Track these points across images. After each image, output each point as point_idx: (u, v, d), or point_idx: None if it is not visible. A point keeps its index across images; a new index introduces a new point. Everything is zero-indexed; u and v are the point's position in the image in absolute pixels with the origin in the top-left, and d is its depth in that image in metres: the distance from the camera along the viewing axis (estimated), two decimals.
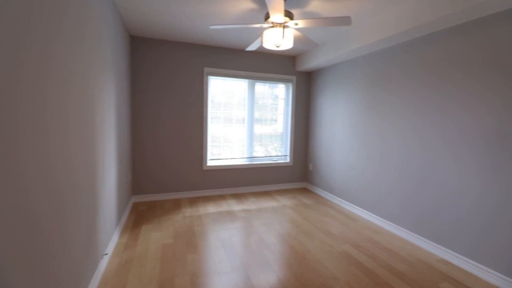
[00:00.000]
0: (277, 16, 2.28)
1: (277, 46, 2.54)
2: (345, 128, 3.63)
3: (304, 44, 2.83)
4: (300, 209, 3.50)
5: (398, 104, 2.80)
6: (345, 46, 3.19)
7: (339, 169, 3.74)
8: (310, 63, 3.92)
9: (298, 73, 4.44)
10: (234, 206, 3.56)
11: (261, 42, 2.66)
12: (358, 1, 2.38)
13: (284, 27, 2.43)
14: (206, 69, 3.84)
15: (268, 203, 3.70)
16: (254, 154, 4.35)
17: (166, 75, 3.64)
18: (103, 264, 2.05)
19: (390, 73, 2.91)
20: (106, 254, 2.19)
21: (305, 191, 4.39)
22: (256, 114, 4.29)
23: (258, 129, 4.37)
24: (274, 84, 4.39)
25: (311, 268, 2.11)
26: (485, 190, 2.04)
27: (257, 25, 2.45)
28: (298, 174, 4.59)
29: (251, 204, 3.64)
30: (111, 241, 2.34)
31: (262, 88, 4.31)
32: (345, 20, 2.22)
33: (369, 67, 3.19)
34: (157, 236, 2.62)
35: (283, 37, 2.40)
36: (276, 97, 4.51)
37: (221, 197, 3.93)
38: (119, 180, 2.72)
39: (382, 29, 2.65)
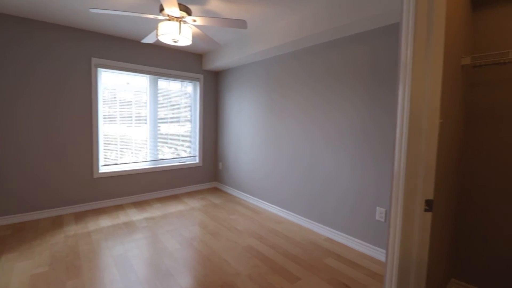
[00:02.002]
0: (172, 9, 2.15)
1: (175, 42, 2.40)
2: (250, 127, 3.80)
3: (206, 42, 2.79)
4: (209, 209, 3.46)
5: (291, 106, 3.13)
6: (247, 49, 3.32)
7: (246, 166, 3.89)
8: (217, 63, 3.92)
9: (206, 72, 4.38)
10: (135, 215, 3.20)
11: (156, 35, 2.47)
12: (257, 6, 2.50)
13: (181, 21, 2.32)
14: (94, 60, 3.29)
15: (175, 208, 3.50)
16: (161, 156, 4.04)
17: (34, 63, 2.92)
18: None
19: (283, 78, 3.21)
20: None
21: (215, 190, 4.38)
22: (168, 114, 3.99)
23: (165, 129, 4.08)
24: (185, 82, 4.19)
25: (215, 268, 2.10)
26: (353, 175, 2.50)
27: (151, 16, 2.26)
28: (208, 174, 4.53)
29: (156, 211, 3.36)
30: None
31: (173, 86, 4.03)
32: (241, 23, 2.30)
33: (271, 70, 3.44)
34: (24, 266, 2.07)
35: (180, 32, 2.28)
36: (190, 95, 4.33)
37: (119, 207, 3.46)
38: None
39: (279, 35, 2.88)
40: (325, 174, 2.76)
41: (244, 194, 3.93)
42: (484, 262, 1.78)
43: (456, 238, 1.90)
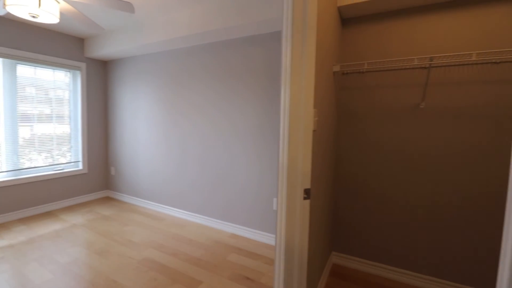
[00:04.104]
0: None
1: (34, 17, 1.88)
2: (148, 125, 3.44)
3: (84, 24, 2.31)
4: (97, 224, 2.93)
5: (193, 104, 3.01)
6: (140, 38, 2.97)
7: (144, 169, 3.51)
8: (104, 50, 3.35)
9: (90, 60, 3.68)
10: None
11: (4, 5, 1.87)
12: None
13: None
14: None
15: (48, 228, 2.79)
16: (28, 164, 3.15)
17: None
18: None
19: (185, 74, 3.05)
20: None
21: (107, 200, 3.77)
22: (43, 110, 3.09)
23: (34, 129, 3.20)
24: (60, 71, 3.37)
25: None
26: (251, 170, 2.62)
27: None
28: (97, 182, 3.85)
29: (18, 236, 2.59)
30: None
31: (42, 74, 3.15)
32: (126, 6, 2.01)
33: (170, 63, 3.19)
34: None
35: (39, 5, 1.80)
36: (69, 87, 3.52)
37: None
38: None
39: (173, 28, 2.69)
40: (227, 172, 2.79)
41: (143, 200, 3.54)
42: (354, 235, 2.18)
43: (334, 217, 2.26)
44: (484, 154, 1.71)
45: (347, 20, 2.13)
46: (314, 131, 1.41)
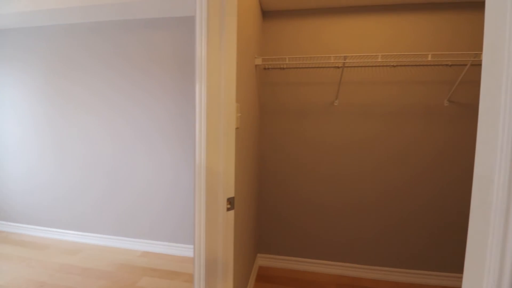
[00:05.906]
0: None
1: None
2: (23, 123, 2.57)
3: None
4: None
5: (84, 97, 2.39)
6: (8, 5, 2.15)
7: (17, 183, 2.62)
8: None
9: None
10: None
11: None
12: None
13: None
14: None
15: None
16: None
17: None
18: None
19: (73, 58, 2.39)
20: None
21: None
22: None
23: None
24: None
25: None
26: (167, 178, 2.28)
27: None
28: None
29: None
30: None
31: None
32: None
33: (55, 45, 2.43)
34: None
35: None
36: None
37: None
38: None
39: None
40: (135, 180, 2.34)
41: (16, 224, 2.65)
42: (277, 234, 2.14)
43: (258, 218, 2.16)
44: (383, 148, 1.91)
45: (268, 13, 2.04)
46: (237, 128, 1.23)
